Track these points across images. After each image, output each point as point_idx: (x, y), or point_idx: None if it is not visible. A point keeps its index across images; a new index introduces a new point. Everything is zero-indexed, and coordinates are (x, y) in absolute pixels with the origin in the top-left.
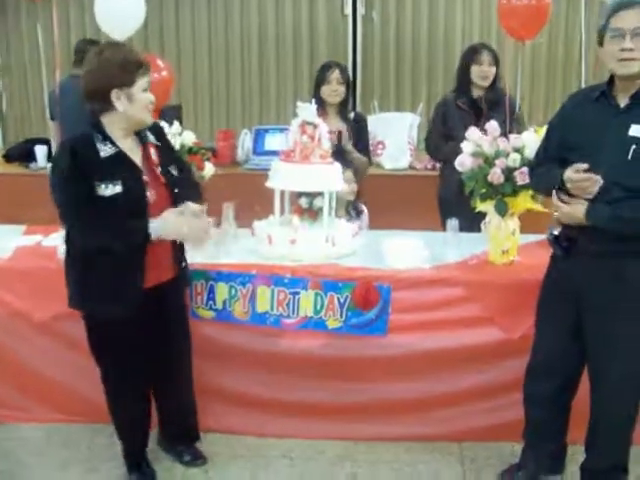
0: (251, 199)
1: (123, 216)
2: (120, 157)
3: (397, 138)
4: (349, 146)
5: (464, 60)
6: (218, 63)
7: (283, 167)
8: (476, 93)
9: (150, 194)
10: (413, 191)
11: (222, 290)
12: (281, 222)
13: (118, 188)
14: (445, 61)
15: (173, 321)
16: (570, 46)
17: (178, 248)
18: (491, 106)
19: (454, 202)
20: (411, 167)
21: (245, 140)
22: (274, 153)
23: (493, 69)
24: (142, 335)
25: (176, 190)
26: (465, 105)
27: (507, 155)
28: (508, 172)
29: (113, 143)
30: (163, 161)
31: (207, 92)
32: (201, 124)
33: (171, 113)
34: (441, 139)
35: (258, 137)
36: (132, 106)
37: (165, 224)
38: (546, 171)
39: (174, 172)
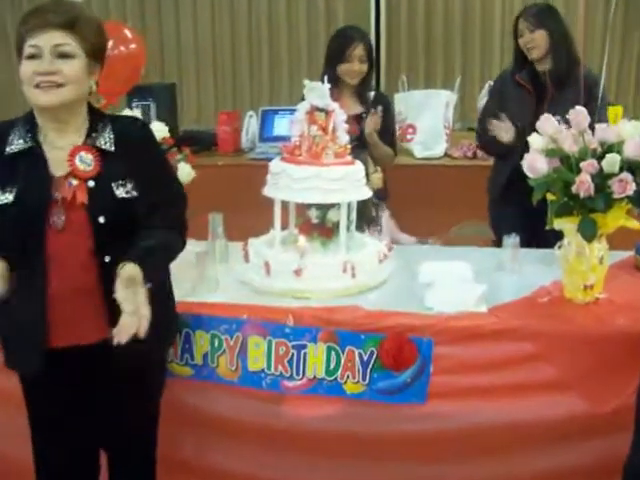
0: (254, 197)
1: (10, 239)
2: (29, 155)
3: (431, 120)
4: (375, 137)
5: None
6: (223, 33)
7: (285, 169)
8: (540, 66)
9: (56, 216)
10: (450, 184)
11: (202, 340)
12: (283, 241)
13: (8, 197)
14: (482, 29)
15: (122, 391)
16: None
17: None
18: (560, 84)
19: (498, 202)
20: (447, 155)
21: (250, 124)
22: (285, 139)
23: (539, 33)
24: (64, 405)
25: (101, 219)
26: (524, 81)
27: (597, 155)
28: (600, 180)
29: (34, 136)
30: (110, 173)
31: (210, 67)
32: (204, 105)
33: (162, 93)
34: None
35: (265, 120)
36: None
37: None
38: None
39: (119, 191)
